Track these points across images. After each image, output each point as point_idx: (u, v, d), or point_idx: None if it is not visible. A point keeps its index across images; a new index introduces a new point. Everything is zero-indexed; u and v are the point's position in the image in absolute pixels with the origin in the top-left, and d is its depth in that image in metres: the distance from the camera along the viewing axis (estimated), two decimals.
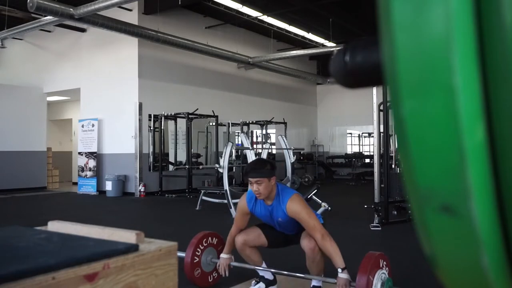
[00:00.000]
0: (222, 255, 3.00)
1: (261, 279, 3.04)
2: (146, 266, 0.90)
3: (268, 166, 2.74)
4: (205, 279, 3.09)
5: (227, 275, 2.99)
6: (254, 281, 3.10)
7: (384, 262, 2.55)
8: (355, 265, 3.89)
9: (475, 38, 0.37)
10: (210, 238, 3.16)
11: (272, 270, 3.02)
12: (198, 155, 11.53)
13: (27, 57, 12.72)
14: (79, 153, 11.20)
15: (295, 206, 2.68)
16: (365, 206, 6.28)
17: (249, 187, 2.76)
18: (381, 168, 6.12)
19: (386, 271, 2.54)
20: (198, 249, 3.06)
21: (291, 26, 11.55)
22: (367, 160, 15.21)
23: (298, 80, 15.54)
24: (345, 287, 2.50)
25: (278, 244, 3.00)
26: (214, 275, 3.13)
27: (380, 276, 2.46)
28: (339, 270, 2.55)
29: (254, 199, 2.83)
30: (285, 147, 9.06)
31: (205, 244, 3.11)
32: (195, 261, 3.02)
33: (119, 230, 1.00)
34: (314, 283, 2.87)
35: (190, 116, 10.48)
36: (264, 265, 3.02)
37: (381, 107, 6.29)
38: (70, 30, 11.10)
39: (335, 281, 2.55)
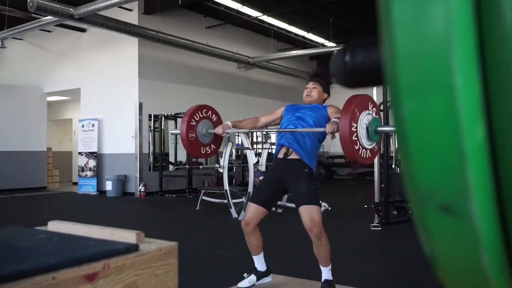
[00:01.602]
0: (225, 122, 3.09)
1: (253, 271, 3.03)
2: (146, 266, 0.91)
3: (330, 83, 2.99)
4: (197, 147, 3.09)
5: (220, 133, 3.02)
6: (246, 274, 3.08)
7: (371, 104, 2.51)
8: (355, 265, 3.90)
9: (475, 38, 0.37)
10: (210, 112, 3.20)
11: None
12: None
13: (27, 57, 12.72)
14: (79, 153, 11.20)
15: (335, 107, 2.90)
16: (365, 206, 6.28)
17: (304, 91, 2.98)
18: (381, 168, 6.12)
19: (374, 112, 2.50)
20: (196, 115, 3.09)
21: (291, 26, 11.55)
22: None
23: (298, 80, 15.54)
24: (334, 126, 2.53)
25: (275, 202, 3.09)
26: (207, 149, 3.13)
27: (366, 116, 2.44)
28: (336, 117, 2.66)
29: (293, 105, 3.07)
30: None
31: (204, 115, 3.14)
32: (191, 124, 3.05)
33: (119, 230, 1.00)
34: (324, 275, 2.85)
35: None
36: (261, 254, 3.01)
37: (381, 107, 6.29)
38: (70, 30, 11.10)
39: (325, 129, 2.63)
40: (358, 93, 2.50)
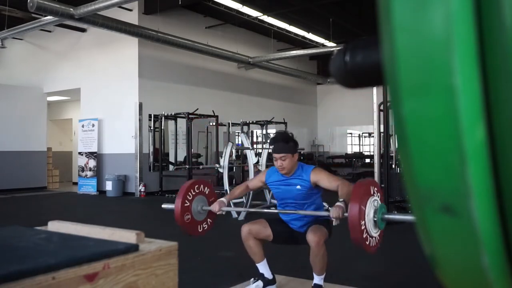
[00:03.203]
0: (219, 199, 3.03)
1: (260, 277, 3.03)
2: (146, 266, 0.91)
3: (292, 142, 2.88)
4: (195, 226, 3.01)
5: (217, 211, 2.96)
6: (252, 279, 3.08)
7: (375, 189, 2.50)
8: (355, 265, 3.90)
9: (475, 39, 0.37)
10: (201, 186, 3.08)
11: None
12: (198, 155, 11.53)
13: (27, 57, 12.72)
14: (79, 153, 11.21)
15: (318, 171, 2.88)
16: None
17: (274, 163, 2.91)
18: (381, 168, 6.12)
19: (378, 197, 2.49)
20: (189, 194, 2.99)
21: (291, 26, 11.55)
22: (367, 160, 15.21)
23: (298, 80, 15.54)
24: (338, 212, 2.54)
25: (283, 240, 3.01)
26: (204, 226, 3.07)
27: (373, 203, 2.42)
28: (340, 200, 2.63)
29: (274, 173, 2.99)
30: None
31: (196, 191, 3.03)
32: (186, 205, 2.95)
33: (119, 230, 1.00)
34: (316, 281, 2.86)
35: (190, 116, 10.47)
36: (265, 261, 3.01)
37: (381, 107, 6.29)
38: (70, 30, 11.09)
39: (329, 214, 2.61)
40: (362, 182, 2.50)
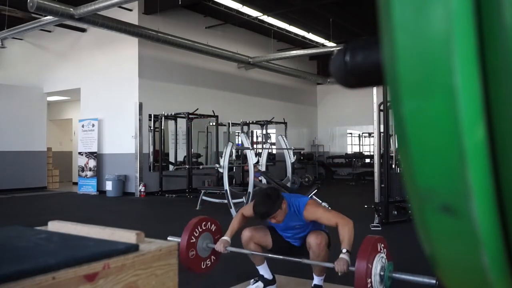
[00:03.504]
0: (223, 238, 2.99)
1: (260, 278, 3.04)
2: (146, 266, 0.91)
3: (274, 198, 2.73)
4: (198, 263, 2.99)
5: (222, 251, 2.94)
6: (253, 280, 3.09)
7: (382, 245, 2.48)
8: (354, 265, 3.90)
9: (475, 38, 0.37)
10: (209, 223, 3.07)
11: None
12: (198, 155, 11.54)
13: (27, 57, 12.72)
14: (79, 153, 11.21)
15: (312, 211, 2.75)
16: (365, 206, 6.28)
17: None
18: (381, 168, 6.12)
19: (385, 253, 2.48)
20: (196, 230, 2.97)
21: (291, 26, 11.55)
22: (367, 160, 15.20)
23: (298, 80, 15.54)
24: (343, 266, 2.48)
25: (280, 251, 2.98)
26: (207, 263, 3.06)
27: (380, 259, 2.40)
28: (343, 250, 2.55)
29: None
30: (285, 147, 9.06)
31: (203, 228, 3.03)
32: (192, 241, 2.94)
33: (119, 230, 1.00)
34: (315, 281, 2.86)
35: (190, 116, 10.48)
36: (265, 264, 3.02)
37: (381, 107, 6.29)
38: (70, 30, 11.10)
39: (333, 265, 2.53)
40: (372, 238, 2.48)
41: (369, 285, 2.33)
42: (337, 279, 2.97)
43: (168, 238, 3.08)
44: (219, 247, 2.89)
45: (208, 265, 3.04)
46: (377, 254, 2.41)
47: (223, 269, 3.79)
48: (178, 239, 2.93)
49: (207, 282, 3.44)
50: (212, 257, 3.07)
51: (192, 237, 2.94)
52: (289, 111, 14.88)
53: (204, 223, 3.02)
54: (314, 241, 2.73)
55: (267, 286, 3.05)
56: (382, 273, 2.38)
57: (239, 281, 3.26)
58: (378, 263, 2.38)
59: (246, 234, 2.93)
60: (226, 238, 2.93)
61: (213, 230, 3.09)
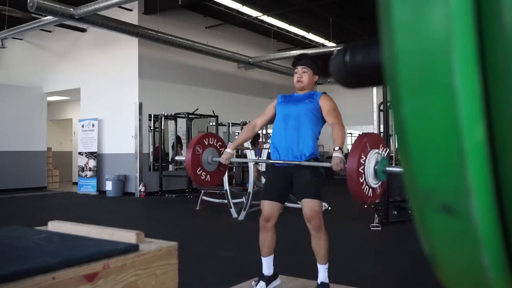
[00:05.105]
0: (226, 150, 3.08)
1: (261, 277, 3.01)
2: (146, 266, 0.91)
3: (317, 64, 2.99)
4: (205, 177, 3.09)
5: (225, 163, 3.04)
6: (253, 281, 3.06)
7: (381, 144, 2.49)
8: (355, 265, 3.90)
9: (475, 38, 0.37)
10: (212, 138, 3.19)
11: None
12: None
13: (27, 57, 12.72)
14: (79, 153, 11.21)
15: (327, 98, 2.92)
16: (365, 206, 6.28)
17: (294, 77, 2.99)
18: None
19: (382, 151, 2.47)
20: (199, 146, 3.06)
21: (291, 26, 11.55)
22: None
23: None
24: (340, 164, 2.60)
25: (285, 194, 3.01)
26: (207, 178, 3.12)
27: (374, 155, 2.41)
28: (336, 148, 2.71)
29: (288, 96, 3.05)
30: None
31: (208, 143, 3.13)
32: (196, 156, 3.03)
33: (119, 230, 1.00)
34: (321, 278, 2.84)
35: (190, 116, 10.47)
36: (271, 257, 2.99)
37: (381, 107, 6.29)
38: (70, 30, 11.10)
39: (331, 165, 2.65)
40: (368, 132, 2.51)
41: (361, 179, 2.35)
42: (337, 279, 2.97)
43: (176, 158, 3.31)
44: (222, 158, 3.03)
45: (208, 180, 3.12)
46: (373, 149, 2.42)
47: (223, 269, 3.79)
48: (183, 157, 3.06)
49: (207, 282, 3.44)
50: (220, 167, 3.18)
51: (196, 151, 3.03)
52: None
53: (207, 138, 3.12)
54: (311, 219, 2.74)
55: (271, 283, 3.01)
56: (376, 167, 2.40)
57: (239, 281, 3.26)
58: (372, 158, 2.39)
59: (262, 219, 2.91)
60: (229, 150, 3.05)
61: (217, 145, 3.20)
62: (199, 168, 3.04)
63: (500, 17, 0.37)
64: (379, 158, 2.44)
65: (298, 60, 2.97)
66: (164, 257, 0.95)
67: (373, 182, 2.41)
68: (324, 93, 2.97)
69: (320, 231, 2.76)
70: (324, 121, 2.93)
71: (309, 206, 2.76)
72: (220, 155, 3.13)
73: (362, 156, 2.37)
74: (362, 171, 2.35)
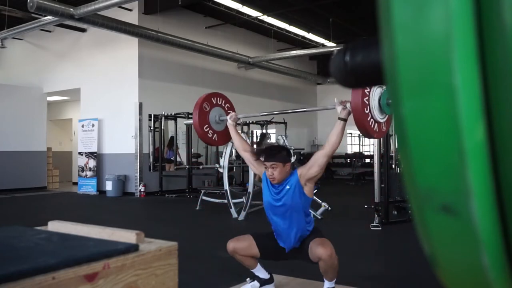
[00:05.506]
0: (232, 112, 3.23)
1: (256, 278, 3.00)
2: (146, 266, 0.91)
3: (284, 152, 2.79)
4: (212, 135, 3.18)
5: (233, 120, 3.19)
6: (248, 278, 3.04)
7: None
8: (355, 265, 3.90)
9: (475, 38, 0.37)
10: (217, 98, 3.30)
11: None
12: (198, 155, 11.53)
13: (27, 57, 12.72)
14: (79, 153, 11.20)
15: (301, 166, 2.81)
16: (365, 206, 6.28)
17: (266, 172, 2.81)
18: (381, 168, 6.12)
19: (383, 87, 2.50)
20: (210, 100, 3.15)
21: (291, 26, 11.55)
22: (367, 160, 15.20)
23: (298, 80, 15.54)
24: (343, 102, 2.62)
25: (271, 255, 2.89)
26: (215, 137, 3.22)
27: (378, 90, 2.42)
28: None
29: (267, 180, 2.87)
30: None
31: (215, 102, 3.25)
32: (203, 115, 3.19)
33: (119, 230, 1.00)
34: (327, 285, 2.80)
35: (190, 116, 10.47)
36: (259, 266, 2.97)
37: None
38: (70, 30, 11.10)
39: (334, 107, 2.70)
40: None
41: (367, 111, 2.36)
42: (337, 279, 2.96)
43: (184, 122, 3.47)
44: (230, 117, 3.15)
45: (216, 139, 3.18)
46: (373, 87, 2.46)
47: (223, 269, 3.79)
48: (190, 121, 3.09)
49: (207, 282, 3.44)
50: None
51: (204, 109, 3.10)
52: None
53: (213, 98, 3.19)
54: (325, 253, 2.58)
55: (264, 285, 3.01)
56: (379, 102, 2.42)
57: (239, 281, 3.26)
58: (376, 92, 2.41)
59: (229, 246, 2.82)
60: (234, 113, 3.21)
61: (222, 104, 3.33)
62: (206, 125, 3.08)
63: (500, 17, 0.37)
64: (381, 92, 2.49)
65: (266, 156, 2.76)
66: (164, 257, 0.95)
67: (378, 116, 2.43)
68: (299, 168, 2.83)
69: (332, 258, 2.60)
70: (307, 189, 2.79)
71: (318, 243, 2.63)
72: (226, 113, 3.28)
73: (367, 88, 2.39)
74: (367, 102, 2.37)
